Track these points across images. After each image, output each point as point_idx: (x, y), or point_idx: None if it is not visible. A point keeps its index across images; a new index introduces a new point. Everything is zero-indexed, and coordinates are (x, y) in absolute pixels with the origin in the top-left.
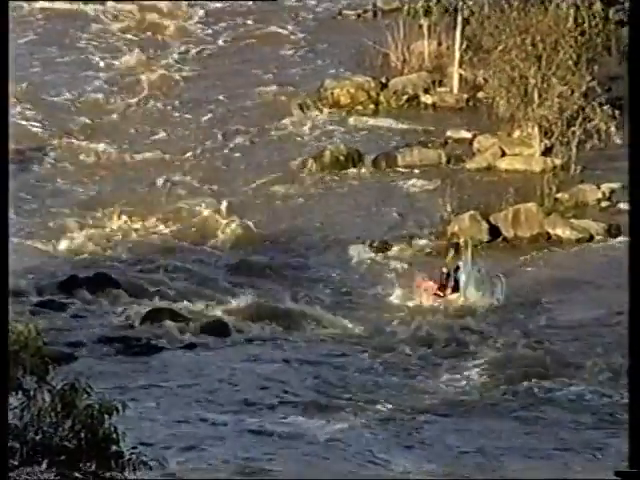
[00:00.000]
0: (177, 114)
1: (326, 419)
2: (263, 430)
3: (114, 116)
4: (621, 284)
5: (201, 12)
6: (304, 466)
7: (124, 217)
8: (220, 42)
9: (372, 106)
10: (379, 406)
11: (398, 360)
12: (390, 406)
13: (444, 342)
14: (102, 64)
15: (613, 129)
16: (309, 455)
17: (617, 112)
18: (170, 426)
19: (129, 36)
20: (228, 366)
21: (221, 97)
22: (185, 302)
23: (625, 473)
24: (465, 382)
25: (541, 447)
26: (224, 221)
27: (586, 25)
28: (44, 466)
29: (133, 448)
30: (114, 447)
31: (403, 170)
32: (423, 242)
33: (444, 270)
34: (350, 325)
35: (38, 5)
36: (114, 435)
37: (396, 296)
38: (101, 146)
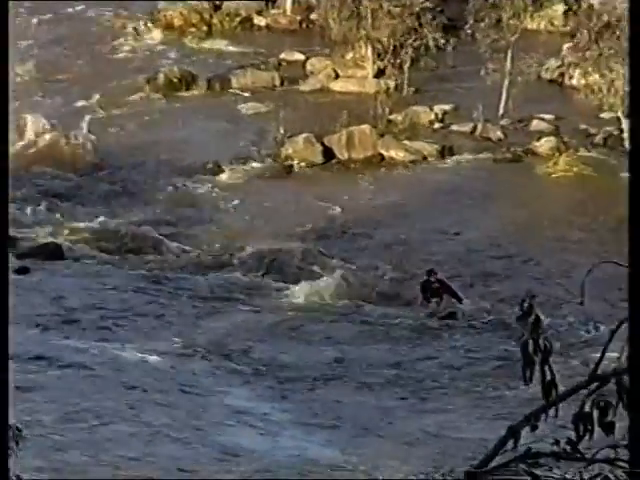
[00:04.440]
0: None
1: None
2: None
3: None
4: (448, 202)
5: None
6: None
7: None
8: None
9: (205, 28)
10: None
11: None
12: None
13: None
14: None
15: (446, 49)
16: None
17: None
18: None
19: None
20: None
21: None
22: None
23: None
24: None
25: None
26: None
27: None
28: None
29: None
30: None
31: (237, 92)
32: (257, 164)
33: None
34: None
35: None
36: None
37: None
38: None
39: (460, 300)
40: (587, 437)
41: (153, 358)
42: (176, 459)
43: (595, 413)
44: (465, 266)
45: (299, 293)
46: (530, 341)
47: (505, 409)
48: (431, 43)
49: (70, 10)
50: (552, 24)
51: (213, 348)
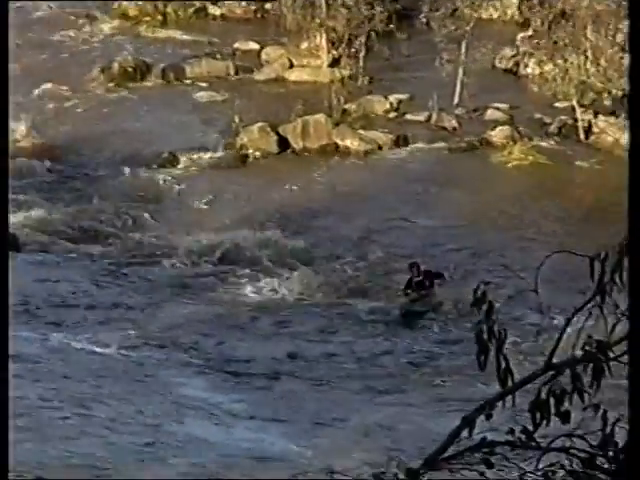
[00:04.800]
0: None
1: None
2: None
3: None
4: (404, 192)
5: None
6: None
7: None
8: None
9: (160, 17)
10: None
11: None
12: None
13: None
14: None
15: (400, 38)
16: None
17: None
18: None
19: None
20: None
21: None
22: None
23: None
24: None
25: None
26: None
27: None
28: None
29: None
30: None
31: (191, 82)
32: (212, 154)
33: None
34: None
35: None
36: None
37: None
38: None
39: (442, 276)
40: (544, 425)
41: (104, 349)
42: (129, 451)
43: (552, 401)
44: (426, 256)
45: (257, 285)
46: (484, 328)
47: (470, 405)
48: (380, 30)
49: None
50: (506, 13)
51: (167, 339)
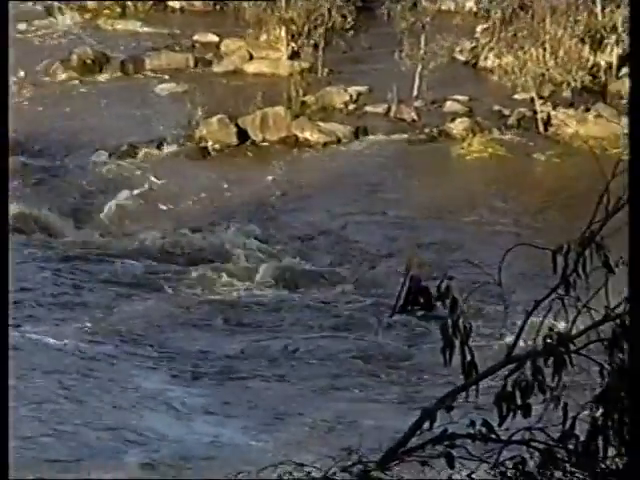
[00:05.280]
0: None
1: None
2: None
3: None
4: (363, 184)
5: None
6: None
7: None
8: None
9: (119, 10)
10: None
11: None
12: None
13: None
14: None
15: (359, 31)
16: None
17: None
18: None
19: None
20: None
21: None
22: None
23: None
24: None
25: None
26: None
27: None
28: None
29: None
30: None
31: (151, 74)
32: (172, 146)
33: None
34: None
35: None
36: None
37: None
38: None
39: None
40: (509, 418)
41: (60, 342)
42: (86, 445)
43: (517, 394)
44: (389, 250)
45: (213, 281)
46: (449, 322)
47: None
48: (340, 23)
49: None
50: (464, 5)
51: (124, 333)
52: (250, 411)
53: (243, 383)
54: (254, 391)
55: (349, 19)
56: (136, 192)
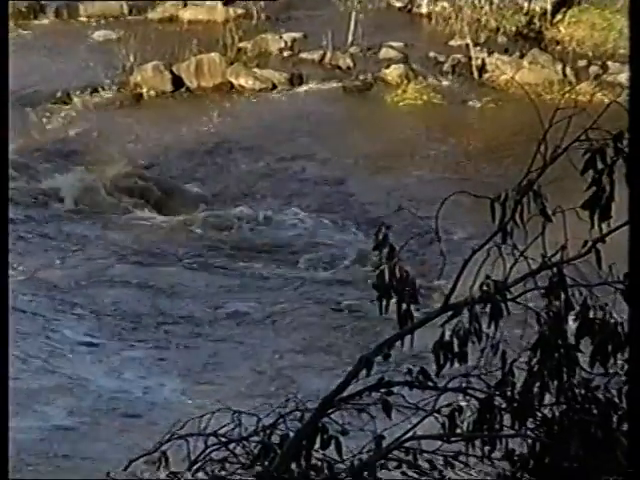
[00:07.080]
0: None
1: None
2: None
3: None
4: (299, 131)
5: None
6: None
7: None
8: None
9: None
10: None
11: None
12: None
13: None
14: None
15: None
16: None
17: None
18: None
19: None
20: None
21: None
22: None
23: None
24: None
25: None
26: None
27: None
28: None
29: None
30: None
31: (85, 20)
32: (107, 93)
33: None
34: None
35: None
36: None
37: None
38: None
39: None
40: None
41: None
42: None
43: (455, 342)
44: (318, 196)
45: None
46: (385, 270)
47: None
48: None
49: None
50: None
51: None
52: (186, 362)
53: (182, 340)
54: (193, 346)
55: None
56: (70, 137)
